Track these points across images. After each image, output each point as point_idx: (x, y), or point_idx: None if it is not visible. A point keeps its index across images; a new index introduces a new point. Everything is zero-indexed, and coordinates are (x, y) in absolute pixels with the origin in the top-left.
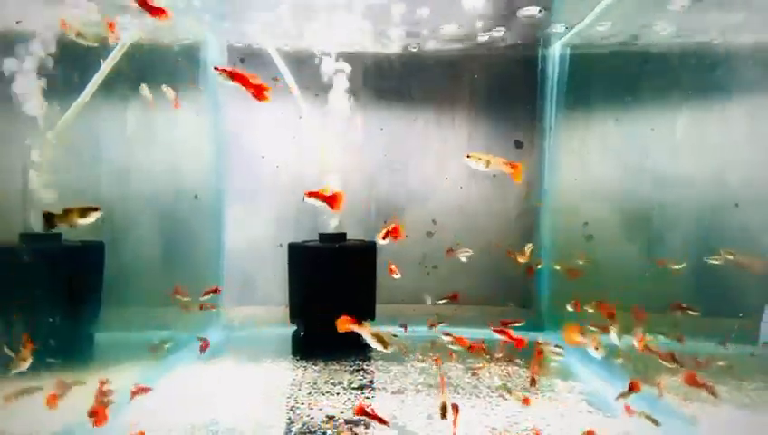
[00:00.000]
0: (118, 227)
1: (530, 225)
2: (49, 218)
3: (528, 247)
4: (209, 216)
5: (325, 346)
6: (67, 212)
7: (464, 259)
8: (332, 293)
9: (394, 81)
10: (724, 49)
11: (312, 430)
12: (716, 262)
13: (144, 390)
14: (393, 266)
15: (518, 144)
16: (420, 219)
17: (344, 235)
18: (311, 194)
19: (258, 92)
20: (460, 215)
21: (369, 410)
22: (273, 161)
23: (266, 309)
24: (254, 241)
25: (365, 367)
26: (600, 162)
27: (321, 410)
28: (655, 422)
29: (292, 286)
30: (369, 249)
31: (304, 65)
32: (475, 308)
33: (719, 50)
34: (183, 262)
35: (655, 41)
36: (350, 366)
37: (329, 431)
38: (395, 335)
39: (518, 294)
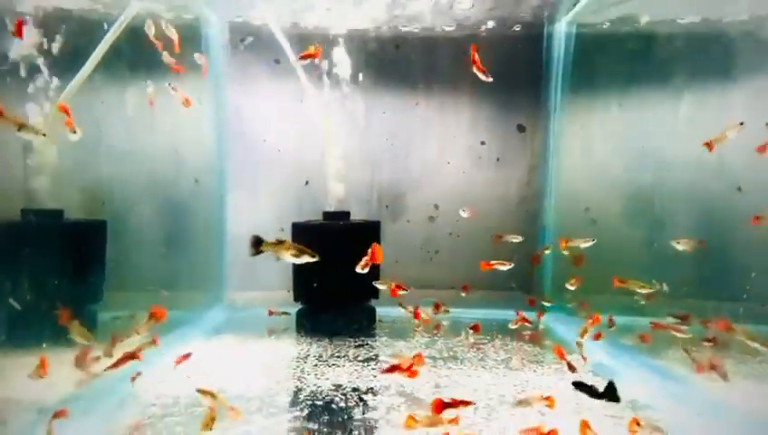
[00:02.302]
0: (118, 211)
1: (532, 209)
2: (257, 243)
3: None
4: (211, 200)
5: (330, 323)
6: (277, 242)
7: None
8: (336, 270)
9: (396, 64)
10: (732, 29)
11: (320, 397)
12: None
13: (185, 357)
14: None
15: (521, 128)
16: (422, 204)
17: (348, 213)
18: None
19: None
20: (462, 200)
21: (448, 400)
22: (274, 145)
23: (269, 294)
24: (256, 225)
25: (370, 342)
26: (604, 146)
27: (327, 379)
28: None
29: (296, 265)
30: (373, 227)
31: (307, 47)
32: (478, 293)
33: (728, 31)
34: (185, 246)
35: (663, 18)
36: (355, 342)
37: (336, 398)
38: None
39: (521, 279)
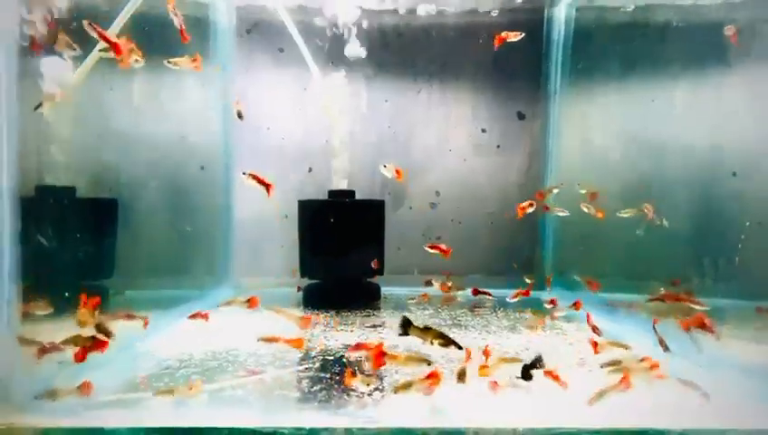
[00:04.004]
0: (125, 197)
1: (532, 196)
2: (405, 325)
3: None
4: (217, 186)
5: (336, 298)
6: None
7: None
8: (342, 247)
9: (398, 52)
10: (730, 15)
11: (330, 354)
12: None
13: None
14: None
15: (521, 116)
16: (424, 191)
17: (353, 192)
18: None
19: None
20: (463, 187)
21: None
22: (278, 133)
23: (275, 278)
24: (261, 211)
25: (376, 314)
26: (603, 132)
27: (336, 340)
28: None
29: (303, 243)
30: (377, 206)
31: (311, 36)
32: (478, 277)
33: (725, 16)
34: (192, 232)
35: (661, 3)
36: (362, 313)
37: (346, 354)
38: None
39: (520, 262)
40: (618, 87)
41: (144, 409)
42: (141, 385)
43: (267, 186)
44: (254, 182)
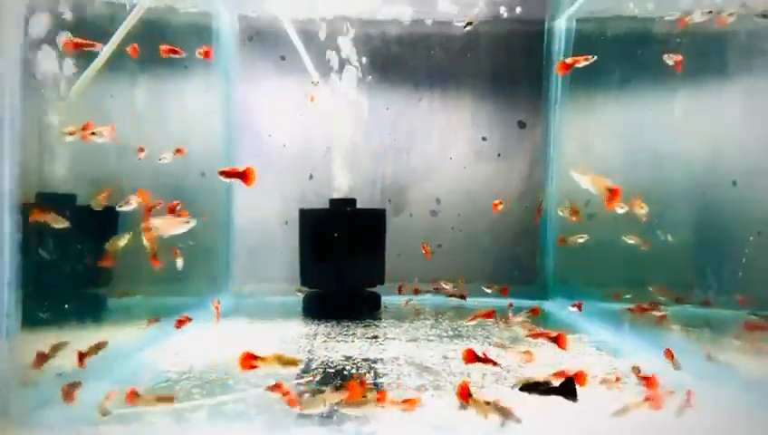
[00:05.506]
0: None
1: (533, 204)
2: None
3: None
4: (217, 193)
5: (336, 307)
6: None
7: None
8: (342, 256)
9: (400, 60)
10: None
11: (332, 365)
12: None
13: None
14: None
15: (521, 124)
16: (424, 198)
17: (354, 200)
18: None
19: None
20: (464, 194)
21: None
22: (280, 140)
23: (275, 285)
24: (262, 218)
25: (377, 324)
26: (603, 141)
27: (337, 352)
28: None
29: (303, 251)
30: (379, 215)
31: (312, 44)
32: (479, 285)
33: (724, 27)
34: (192, 238)
35: (661, 14)
36: (362, 323)
37: (347, 366)
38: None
39: (522, 271)
40: (617, 96)
41: (143, 423)
42: (141, 398)
43: (243, 174)
44: (228, 178)
